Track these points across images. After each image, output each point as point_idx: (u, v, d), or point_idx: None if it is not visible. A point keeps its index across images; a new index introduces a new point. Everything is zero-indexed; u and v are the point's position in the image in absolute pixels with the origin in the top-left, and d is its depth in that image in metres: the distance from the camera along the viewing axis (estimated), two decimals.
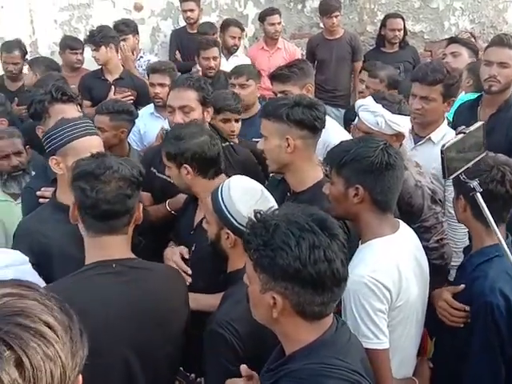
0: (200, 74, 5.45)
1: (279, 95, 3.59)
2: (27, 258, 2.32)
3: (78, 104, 3.32)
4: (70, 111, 3.20)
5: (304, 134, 2.76)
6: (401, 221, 2.40)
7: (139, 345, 2.04)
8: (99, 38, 5.40)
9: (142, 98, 5.23)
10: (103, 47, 5.40)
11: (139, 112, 4.85)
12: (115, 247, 2.12)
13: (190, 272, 2.74)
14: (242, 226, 2.24)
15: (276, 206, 2.42)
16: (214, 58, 5.61)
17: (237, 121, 4.04)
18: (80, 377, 1.07)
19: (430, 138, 3.54)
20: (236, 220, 2.32)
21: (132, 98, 5.26)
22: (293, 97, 2.89)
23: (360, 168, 2.25)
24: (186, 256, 2.82)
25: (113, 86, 5.34)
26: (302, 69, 3.75)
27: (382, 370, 2.07)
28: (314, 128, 2.78)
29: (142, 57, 6.19)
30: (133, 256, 2.16)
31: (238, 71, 4.76)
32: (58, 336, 1.01)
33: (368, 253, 2.22)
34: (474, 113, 3.88)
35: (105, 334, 1.93)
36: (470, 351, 2.36)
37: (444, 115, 3.63)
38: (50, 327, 1.01)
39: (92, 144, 2.74)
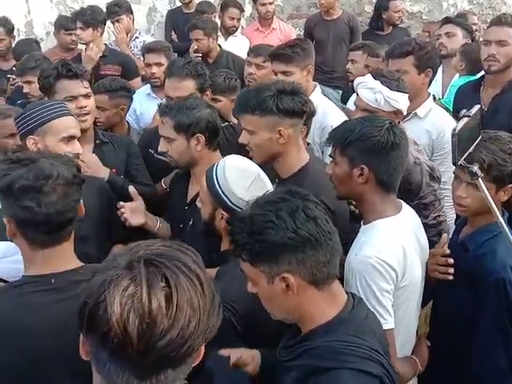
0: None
1: (279, 75, 3.55)
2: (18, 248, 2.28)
3: (86, 80, 3.27)
4: (76, 87, 3.18)
5: (294, 121, 2.70)
6: (402, 201, 2.38)
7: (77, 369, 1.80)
8: (90, 18, 5.38)
9: (128, 72, 5.23)
10: (91, 29, 5.37)
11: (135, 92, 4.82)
12: (60, 258, 1.91)
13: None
14: (237, 206, 2.25)
15: (271, 189, 2.41)
16: (197, 40, 5.58)
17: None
18: (203, 347, 1.16)
19: (416, 114, 3.55)
20: (230, 201, 2.32)
21: (117, 74, 5.22)
22: (271, 85, 2.74)
23: (365, 148, 2.22)
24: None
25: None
26: (304, 49, 3.70)
27: (389, 349, 2.05)
28: (303, 113, 2.73)
29: (137, 37, 6.11)
30: (78, 264, 1.95)
31: (257, 50, 4.64)
32: (204, 293, 1.13)
33: (373, 234, 2.20)
34: (477, 94, 3.87)
35: (46, 358, 1.79)
36: (481, 326, 2.40)
37: (425, 88, 3.63)
38: (200, 283, 1.14)
39: (69, 124, 2.75)
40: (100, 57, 5.36)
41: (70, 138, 2.74)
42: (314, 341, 1.72)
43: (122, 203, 2.88)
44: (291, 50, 3.65)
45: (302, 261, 1.69)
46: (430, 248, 2.47)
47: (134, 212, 2.86)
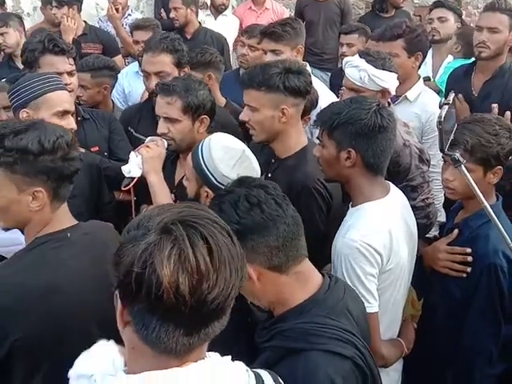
0: None
1: (269, 54, 3.52)
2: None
3: (71, 57, 3.23)
4: (61, 64, 3.14)
5: (297, 101, 2.69)
6: (390, 183, 2.38)
7: (103, 317, 1.88)
8: None
9: (109, 50, 5.22)
10: (66, 7, 5.30)
11: (123, 71, 4.77)
12: (67, 215, 1.99)
13: None
14: (221, 184, 2.24)
15: (258, 168, 2.41)
16: (175, 9, 5.57)
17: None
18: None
19: (406, 97, 3.57)
20: (216, 179, 2.31)
21: (98, 51, 5.19)
22: (278, 63, 2.74)
23: (352, 131, 2.21)
24: None
25: None
26: (295, 29, 3.68)
27: (372, 332, 2.06)
28: (306, 94, 2.72)
29: (129, 14, 6.06)
30: (76, 221, 2.02)
31: (251, 32, 4.58)
32: (235, 245, 1.22)
33: (360, 217, 2.20)
34: (468, 79, 3.87)
35: (67, 314, 1.85)
36: (471, 312, 2.42)
37: (415, 72, 3.64)
38: (230, 235, 1.23)
39: (64, 98, 2.72)
40: (80, 35, 5.34)
41: (64, 113, 2.70)
42: (286, 322, 1.71)
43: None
44: (281, 29, 3.63)
45: (252, 249, 1.66)
46: (417, 230, 2.46)
47: None
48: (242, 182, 1.80)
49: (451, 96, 2.40)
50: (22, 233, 2.00)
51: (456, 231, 2.57)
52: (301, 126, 2.80)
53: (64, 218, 1.97)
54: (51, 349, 1.83)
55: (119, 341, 1.61)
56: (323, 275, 1.83)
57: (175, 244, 1.14)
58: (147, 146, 2.73)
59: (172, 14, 5.59)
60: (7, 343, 1.77)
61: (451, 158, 2.31)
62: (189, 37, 5.56)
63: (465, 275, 2.47)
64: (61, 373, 1.84)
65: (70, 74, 3.19)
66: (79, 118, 3.29)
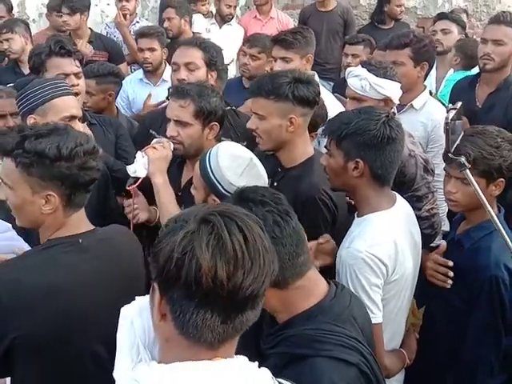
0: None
1: (278, 61, 3.54)
2: (10, 225, 2.28)
3: (77, 59, 3.23)
4: (68, 66, 3.15)
5: (306, 111, 2.67)
6: (397, 193, 2.38)
7: (107, 332, 1.88)
8: (78, 4, 5.31)
9: (115, 57, 5.21)
10: (78, 14, 5.31)
11: (128, 78, 4.79)
12: (82, 220, 2.00)
13: None
14: (229, 192, 2.24)
15: (265, 176, 2.42)
16: (169, 19, 5.59)
17: None
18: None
19: (411, 105, 3.58)
20: (223, 187, 2.32)
21: (104, 59, 5.20)
22: (288, 72, 2.74)
23: (361, 141, 2.21)
24: None
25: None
26: (305, 37, 3.72)
27: (376, 343, 2.06)
28: (314, 104, 2.71)
29: (137, 22, 6.05)
30: (92, 226, 2.04)
31: (253, 41, 4.58)
32: (266, 237, 1.27)
33: (366, 227, 2.20)
34: (473, 91, 3.89)
35: (76, 315, 1.86)
36: (472, 323, 2.43)
37: (421, 81, 3.65)
38: (262, 229, 1.27)
39: (71, 104, 2.72)
40: (86, 42, 5.33)
41: (72, 118, 2.70)
42: (292, 329, 1.72)
43: (126, 201, 2.82)
44: (292, 37, 3.66)
45: None
46: (422, 240, 2.47)
47: (139, 208, 2.81)
48: (242, 198, 1.74)
49: (459, 103, 2.41)
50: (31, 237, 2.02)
51: (444, 244, 2.59)
52: (307, 137, 2.80)
53: (80, 224, 1.98)
54: (58, 348, 1.84)
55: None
56: (329, 283, 1.83)
57: (213, 231, 1.20)
58: (154, 148, 2.73)
59: (165, 24, 5.56)
60: (6, 340, 1.79)
61: (456, 162, 2.31)
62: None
63: (448, 286, 2.48)
64: (65, 372, 1.89)
65: (77, 75, 3.19)
66: (86, 123, 3.29)
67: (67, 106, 2.69)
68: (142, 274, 2.10)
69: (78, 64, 3.23)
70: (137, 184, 2.72)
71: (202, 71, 3.26)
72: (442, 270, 2.52)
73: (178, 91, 2.83)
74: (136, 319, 1.35)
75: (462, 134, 2.42)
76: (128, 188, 2.76)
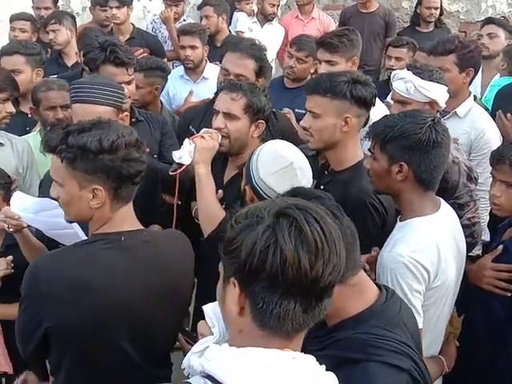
0: None
1: (323, 64, 3.52)
2: (56, 203, 2.28)
3: (131, 67, 3.26)
4: (120, 75, 3.17)
5: (361, 112, 2.65)
6: (442, 199, 2.35)
7: (136, 332, 1.94)
8: None
9: (156, 54, 5.22)
10: (126, 7, 5.37)
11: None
12: (129, 217, 2.00)
13: None
14: (258, 186, 2.31)
15: (305, 184, 2.36)
16: (207, 17, 5.65)
17: None
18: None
19: (455, 113, 3.53)
20: (254, 179, 2.36)
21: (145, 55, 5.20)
22: (346, 73, 2.73)
23: (405, 145, 2.19)
24: None
25: None
26: (351, 40, 3.67)
27: None
28: (370, 105, 2.69)
29: (184, 20, 6.10)
30: (141, 226, 2.04)
31: (300, 44, 4.49)
32: (339, 229, 1.31)
33: (409, 232, 2.18)
34: None
35: (106, 311, 1.87)
36: None
37: (466, 87, 3.59)
38: (334, 221, 1.33)
39: (85, 113, 2.59)
40: (128, 39, 5.39)
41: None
42: (342, 332, 1.70)
43: None
44: (338, 40, 3.62)
45: None
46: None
47: None
48: (296, 194, 1.74)
49: None
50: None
51: (500, 247, 2.55)
52: (358, 139, 2.76)
53: (125, 220, 1.98)
54: (85, 343, 1.88)
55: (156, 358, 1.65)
56: (380, 288, 1.82)
57: (293, 223, 1.24)
58: (202, 137, 2.73)
59: (203, 22, 5.59)
60: (43, 328, 1.86)
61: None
62: (219, 44, 5.60)
63: (509, 294, 2.44)
64: (83, 369, 1.92)
65: (128, 82, 3.22)
66: (133, 120, 3.33)
67: (80, 115, 2.55)
68: (189, 284, 2.14)
69: (131, 71, 3.25)
70: (181, 170, 2.72)
71: (252, 81, 3.29)
72: (505, 276, 2.48)
73: (231, 85, 2.90)
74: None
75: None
76: (171, 173, 2.75)
